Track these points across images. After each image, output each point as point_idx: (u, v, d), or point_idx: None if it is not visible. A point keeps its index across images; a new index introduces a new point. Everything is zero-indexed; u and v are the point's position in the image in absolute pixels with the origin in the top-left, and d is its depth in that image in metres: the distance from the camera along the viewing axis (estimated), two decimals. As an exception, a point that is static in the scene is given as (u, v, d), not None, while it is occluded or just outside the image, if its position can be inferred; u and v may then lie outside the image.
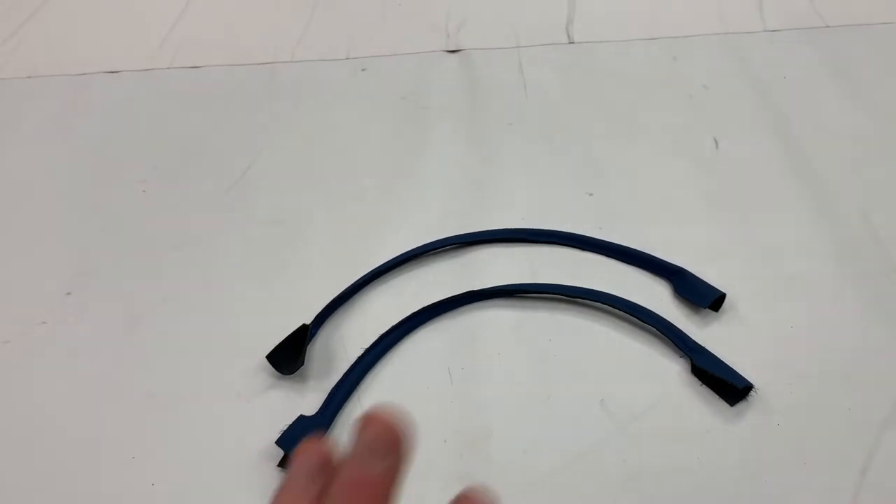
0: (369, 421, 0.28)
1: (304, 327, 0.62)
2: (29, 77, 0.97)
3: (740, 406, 0.56)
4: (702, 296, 0.62)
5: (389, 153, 0.81)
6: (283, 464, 0.55)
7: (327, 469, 0.27)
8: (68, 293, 0.69)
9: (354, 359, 0.61)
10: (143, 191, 0.79)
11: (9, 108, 0.91)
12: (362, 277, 0.67)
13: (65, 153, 0.85)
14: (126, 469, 0.56)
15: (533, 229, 0.71)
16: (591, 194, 0.75)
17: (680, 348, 0.59)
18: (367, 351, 0.62)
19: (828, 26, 0.93)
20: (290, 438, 0.54)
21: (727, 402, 0.56)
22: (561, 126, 0.83)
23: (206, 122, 0.88)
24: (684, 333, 0.60)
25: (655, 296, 0.64)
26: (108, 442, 0.58)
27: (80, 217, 0.77)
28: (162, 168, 0.82)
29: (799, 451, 0.54)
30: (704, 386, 0.58)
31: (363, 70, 0.93)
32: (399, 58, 0.95)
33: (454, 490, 0.53)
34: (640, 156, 0.78)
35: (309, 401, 0.59)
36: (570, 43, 0.95)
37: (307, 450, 0.28)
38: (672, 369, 0.59)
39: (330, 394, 0.59)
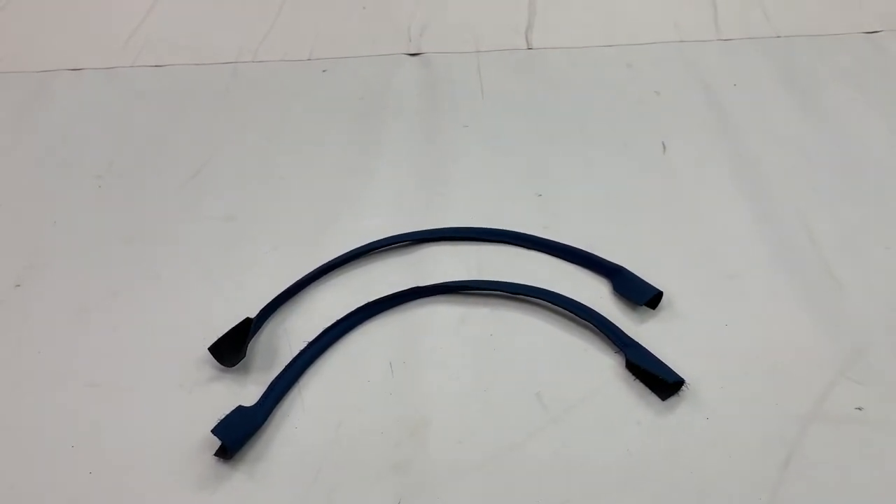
0: None
1: (247, 320, 0.62)
2: (-10, 73, 0.97)
3: (672, 400, 0.58)
4: (639, 293, 0.64)
5: (345, 153, 0.82)
6: (219, 453, 0.55)
7: None
8: (17, 285, 0.69)
9: (297, 352, 0.62)
10: (99, 186, 0.80)
11: (-32, 102, 0.91)
12: (310, 273, 0.68)
13: (22, 148, 0.85)
14: (64, 457, 0.56)
15: (479, 228, 0.72)
16: (539, 195, 0.76)
17: (615, 343, 0.61)
18: (310, 345, 0.62)
19: (779, 36, 0.95)
20: (227, 428, 0.55)
21: (659, 396, 0.58)
22: (515, 129, 0.84)
23: (165, 120, 0.88)
24: (619, 329, 0.62)
25: (595, 293, 0.66)
26: (47, 430, 0.58)
27: (33, 210, 0.77)
28: (119, 164, 0.82)
29: (725, 444, 0.55)
30: (638, 380, 0.59)
31: (324, 71, 0.94)
32: (361, 60, 0.96)
33: (387, 481, 0.54)
34: (590, 159, 0.80)
35: (249, 392, 0.60)
36: (529, 49, 0.97)
37: None
38: (607, 364, 0.60)
39: (270, 386, 0.59)
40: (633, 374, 0.59)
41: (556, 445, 0.56)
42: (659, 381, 0.57)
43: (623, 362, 0.60)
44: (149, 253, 0.72)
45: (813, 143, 0.80)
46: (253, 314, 0.63)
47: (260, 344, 0.64)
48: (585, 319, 0.63)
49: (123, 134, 0.86)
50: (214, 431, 0.55)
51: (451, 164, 0.80)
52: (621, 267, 0.66)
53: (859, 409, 0.56)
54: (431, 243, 0.72)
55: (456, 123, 0.85)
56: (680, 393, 0.58)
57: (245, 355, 0.61)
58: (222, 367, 0.61)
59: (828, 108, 0.84)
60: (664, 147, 0.80)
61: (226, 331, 0.62)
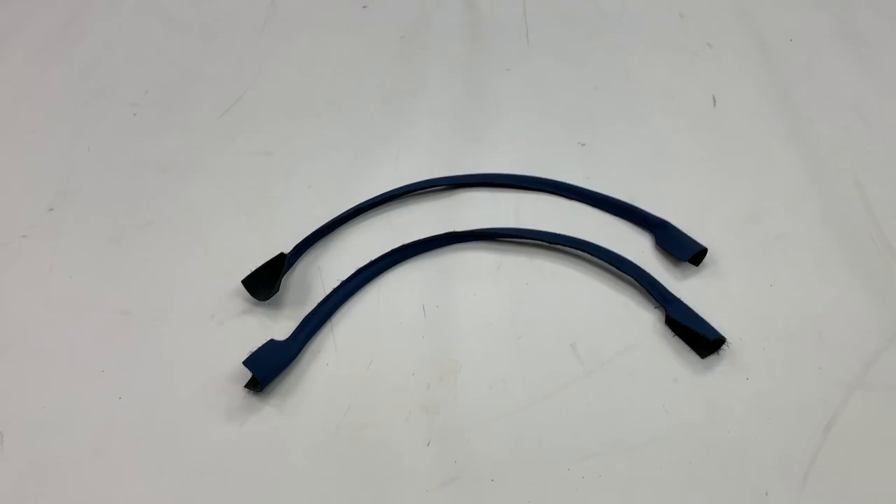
0: None
1: (281, 255, 0.61)
2: (27, -5, 0.96)
3: (711, 359, 0.56)
4: (683, 249, 0.62)
5: (384, 91, 0.80)
6: (250, 385, 0.55)
7: None
8: (51, 209, 0.69)
9: (330, 290, 0.61)
10: (134, 114, 0.79)
11: (4, 23, 0.90)
12: (345, 212, 0.67)
13: (58, 71, 0.84)
14: (95, 381, 0.56)
15: (519, 175, 0.70)
16: (583, 144, 0.74)
17: (655, 298, 0.59)
18: (343, 283, 0.62)
19: (840, -10, 0.91)
20: (258, 360, 0.55)
21: (698, 353, 0.56)
22: (559, 75, 0.81)
23: (203, 49, 0.86)
24: (660, 284, 0.60)
25: (637, 247, 0.64)
26: (78, 355, 0.58)
27: (67, 136, 0.76)
28: (155, 93, 0.81)
29: (765, 406, 0.54)
30: (677, 337, 0.57)
31: (364, 7, 0.91)
32: (402, -3, 0.93)
33: (417, 423, 0.54)
34: (637, 109, 0.77)
35: (281, 327, 0.59)
36: (577, -8, 0.93)
37: None
38: (646, 319, 0.59)
39: (302, 322, 0.59)
40: (673, 330, 0.58)
41: (590, 398, 0.55)
42: (699, 338, 0.56)
43: (662, 318, 0.58)
44: (183, 184, 0.71)
45: (870, 103, 0.76)
46: (284, 249, 0.62)
47: (293, 280, 0.63)
48: (625, 273, 0.61)
49: (160, 62, 0.85)
50: (246, 363, 0.54)
51: (492, 108, 0.78)
52: (666, 221, 0.64)
53: (907, 377, 0.54)
54: (469, 188, 0.70)
55: (498, 67, 0.82)
56: (720, 352, 0.56)
57: (278, 290, 0.60)
58: (255, 300, 0.61)
59: (886, 67, 0.80)
60: (714, 101, 0.77)
61: (259, 265, 0.61)
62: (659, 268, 0.62)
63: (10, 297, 0.62)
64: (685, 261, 0.62)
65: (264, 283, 0.60)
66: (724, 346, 0.56)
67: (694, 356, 0.56)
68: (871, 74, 0.79)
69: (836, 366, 0.55)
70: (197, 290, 0.62)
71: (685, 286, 0.61)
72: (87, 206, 0.69)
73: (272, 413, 0.54)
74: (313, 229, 0.65)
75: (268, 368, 0.55)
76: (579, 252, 0.63)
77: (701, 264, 0.62)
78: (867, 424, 0.52)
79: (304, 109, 0.78)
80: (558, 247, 0.64)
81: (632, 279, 0.61)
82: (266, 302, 0.61)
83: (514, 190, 0.69)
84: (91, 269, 0.64)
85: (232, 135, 0.76)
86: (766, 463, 0.51)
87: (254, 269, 0.61)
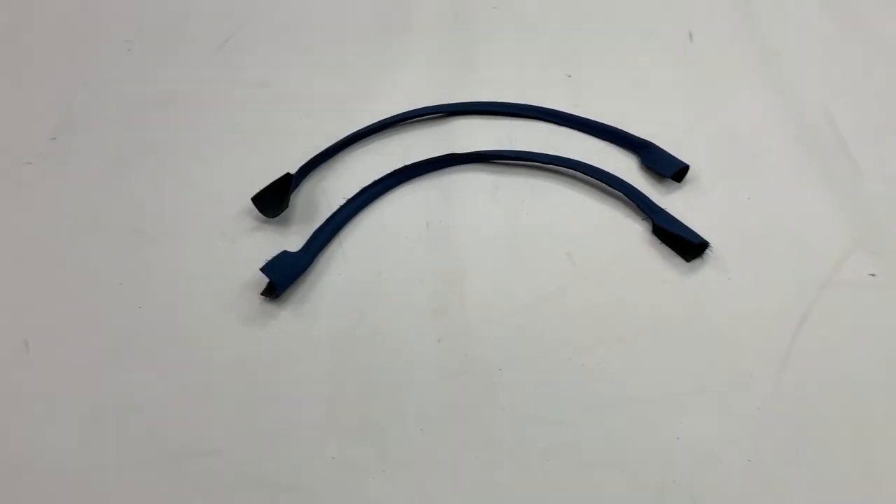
0: None
1: (287, 175, 0.64)
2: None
3: (696, 262, 0.61)
4: (667, 166, 0.66)
5: (375, 25, 0.83)
6: (266, 292, 0.58)
7: None
8: (53, 138, 0.70)
9: (336, 207, 0.64)
10: (129, 49, 0.80)
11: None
12: (345, 137, 0.69)
13: (48, 8, 0.84)
14: (113, 293, 0.59)
15: (511, 103, 0.73)
16: (569, 76, 0.77)
17: (643, 210, 0.63)
18: (349, 201, 0.65)
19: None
20: (274, 267, 0.57)
21: (684, 258, 0.61)
22: (544, 11, 0.85)
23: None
24: (647, 197, 0.64)
25: (624, 166, 0.68)
26: (95, 269, 0.60)
27: (63, 70, 0.77)
28: (148, 29, 0.82)
29: (746, 302, 0.58)
30: (664, 245, 0.62)
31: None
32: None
33: (427, 323, 0.57)
34: (619, 43, 0.81)
35: (291, 241, 0.62)
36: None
37: None
38: (634, 229, 0.63)
39: (312, 235, 0.62)
40: (660, 238, 0.62)
41: (585, 298, 0.59)
42: (684, 243, 0.60)
43: (650, 228, 0.63)
44: (184, 116, 0.73)
45: (835, 38, 0.81)
46: (289, 170, 0.65)
47: (298, 201, 0.66)
48: (615, 188, 0.65)
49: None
50: (263, 269, 0.57)
51: (480, 44, 0.81)
52: (650, 142, 0.68)
53: (872, 275, 0.60)
54: (463, 116, 0.73)
55: (486, 4, 0.85)
56: (703, 256, 0.61)
57: (287, 206, 0.63)
58: (264, 218, 0.63)
59: (851, 7, 0.85)
60: (691, 36, 0.81)
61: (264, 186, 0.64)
62: (645, 184, 0.66)
63: (21, 217, 0.64)
64: (669, 177, 0.66)
65: (272, 200, 0.63)
66: (707, 251, 0.61)
67: (680, 260, 0.61)
68: (835, 10, 0.84)
69: (809, 266, 0.60)
70: (206, 211, 0.64)
71: (670, 200, 0.65)
72: (90, 134, 0.71)
73: (289, 318, 0.57)
74: (315, 153, 0.68)
75: (283, 275, 0.58)
76: (571, 171, 0.67)
77: (683, 180, 0.66)
78: (837, 316, 0.57)
79: (298, 43, 0.80)
80: (552, 167, 0.68)
81: (621, 194, 0.65)
82: (274, 219, 0.63)
83: (507, 117, 0.73)
84: (100, 192, 0.66)
85: (228, 68, 0.77)
86: (748, 351, 0.56)
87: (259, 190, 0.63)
